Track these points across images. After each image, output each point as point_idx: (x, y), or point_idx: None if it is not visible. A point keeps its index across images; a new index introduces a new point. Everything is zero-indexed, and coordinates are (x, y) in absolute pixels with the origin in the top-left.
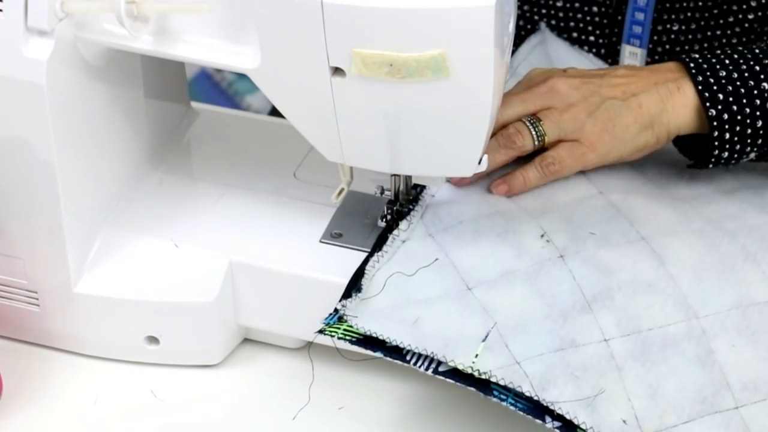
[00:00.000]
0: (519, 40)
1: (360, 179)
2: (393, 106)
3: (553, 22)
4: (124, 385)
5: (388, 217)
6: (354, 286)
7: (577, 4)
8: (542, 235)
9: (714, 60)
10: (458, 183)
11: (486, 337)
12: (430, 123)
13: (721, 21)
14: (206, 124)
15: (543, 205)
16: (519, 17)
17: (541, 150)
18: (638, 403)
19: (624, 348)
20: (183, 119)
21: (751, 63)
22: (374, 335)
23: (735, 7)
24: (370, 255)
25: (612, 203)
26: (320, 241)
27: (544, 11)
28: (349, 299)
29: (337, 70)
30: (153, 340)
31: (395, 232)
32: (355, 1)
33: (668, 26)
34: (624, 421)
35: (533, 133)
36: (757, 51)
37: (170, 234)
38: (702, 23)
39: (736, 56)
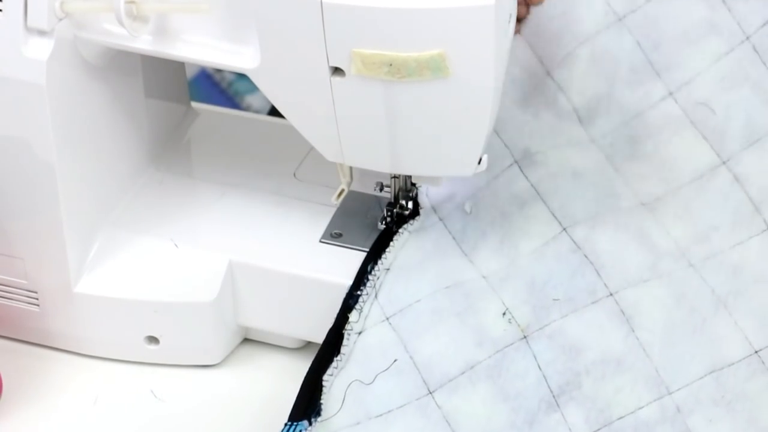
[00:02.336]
0: None
1: (360, 179)
2: (393, 106)
3: None
4: (124, 385)
5: (388, 219)
6: (311, 402)
7: None
8: (504, 313)
9: None
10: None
11: None
12: (429, 123)
13: None
14: (206, 124)
15: (505, 267)
16: None
17: None
18: None
19: None
20: (183, 119)
21: None
22: None
23: None
24: (325, 355)
25: (576, 245)
26: (320, 241)
27: None
28: (309, 428)
29: (336, 70)
30: (153, 340)
31: (348, 325)
32: (355, 1)
33: None
34: None
35: None
36: None
37: (170, 234)
38: None
39: None
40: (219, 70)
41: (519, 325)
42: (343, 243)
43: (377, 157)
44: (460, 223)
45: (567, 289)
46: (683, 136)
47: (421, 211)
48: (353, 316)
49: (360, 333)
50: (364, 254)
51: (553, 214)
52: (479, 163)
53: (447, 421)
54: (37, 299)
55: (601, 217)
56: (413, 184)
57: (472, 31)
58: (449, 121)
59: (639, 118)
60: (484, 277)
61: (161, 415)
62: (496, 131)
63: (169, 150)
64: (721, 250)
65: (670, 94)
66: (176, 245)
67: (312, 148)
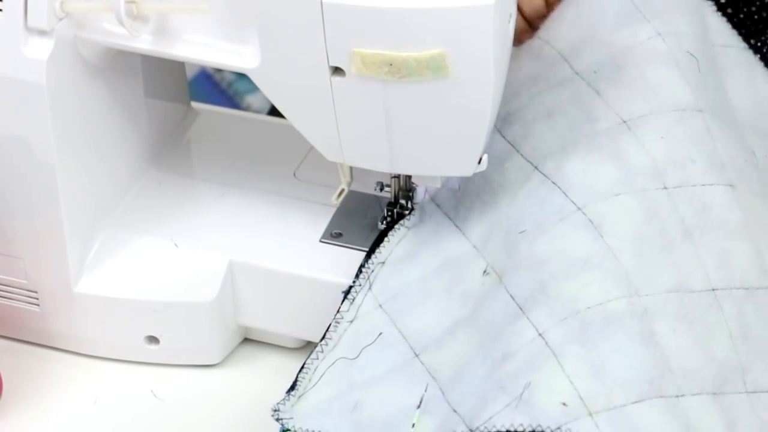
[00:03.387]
0: None
1: (360, 179)
2: (393, 106)
3: None
4: (124, 385)
5: (388, 219)
6: (293, 385)
7: None
8: (485, 271)
9: None
10: None
11: (420, 402)
12: (429, 122)
13: None
14: (206, 124)
15: (488, 228)
16: None
17: None
18: (582, 384)
19: (560, 333)
20: (183, 119)
21: None
22: None
23: None
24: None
25: (546, 176)
26: (320, 241)
27: None
28: (281, 402)
29: (336, 70)
30: (153, 339)
31: (338, 315)
32: (355, 1)
33: None
34: (564, 404)
35: None
36: None
37: (170, 234)
38: None
39: None
40: (219, 70)
41: (497, 274)
42: (343, 243)
43: (377, 156)
44: (453, 201)
45: (536, 218)
46: (669, 70)
47: (416, 206)
48: (344, 306)
49: (351, 321)
50: (364, 254)
51: (526, 159)
52: (479, 162)
53: (429, 372)
54: (37, 299)
55: (572, 144)
56: (413, 184)
57: (472, 30)
58: (449, 120)
59: (626, 50)
60: (473, 245)
61: (161, 415)
62: None
63: (169, 150)
64: (695, 183)
65: (659, 34)
66: (176, 245)
67: (312, 148)
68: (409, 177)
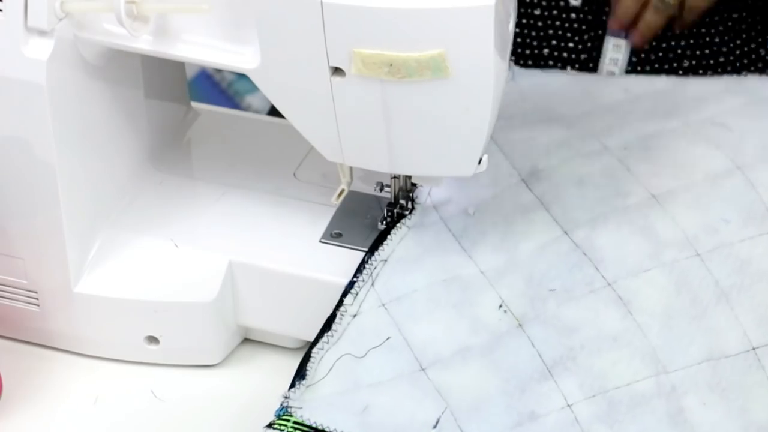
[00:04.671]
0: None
1: (360, 179)
2: (393, 106)
3: (534, 32)
4: (124, 385)
5: (388, 219)
6: (300, 372)
7: (555, 12)
8: (500, 306)
9: None
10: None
11: (437, 423)
12: (429, 123)
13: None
14: (206, 124)
15: (504, 263)
16: None
17: None
18: None
19: (589, 411)
20: (183, 119)
21: None
22: (321, 428)
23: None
24: (320, 335)
25: (576, 245)
26: (320, 241)
27: (524, 20)
28: (293, 389)
29: (336, 70)
30: (153, 340)
31: (342, 308)
32: (355, 1)
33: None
34: None
35: None
36: None
37: (170, 234)
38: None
39: None
40: (219, 70)
41: (514, 316)
42: (343, 243)
43: (377, 157)
44: (461, 223)
45: (564, 281)
46: (697, 146)
47: (417, 206)
48: (348, 299)
49: (354, 315)
50: (365, 253)
51: (555, 220)
52: (479, 163)
53: (438, 391)
54: (37, 299)
55: (603, 217)
56: (414, 185)
57: (472, 31)
58: (449, 121)
59: (654, 136)
60: (482, 272)
61: (161, 415)
62: (504, 152)
63: (169, 150)
64: (731, 242)
65: (684, 124)
66: (176, 245)
67: (312, 148)
68: (409, 177)
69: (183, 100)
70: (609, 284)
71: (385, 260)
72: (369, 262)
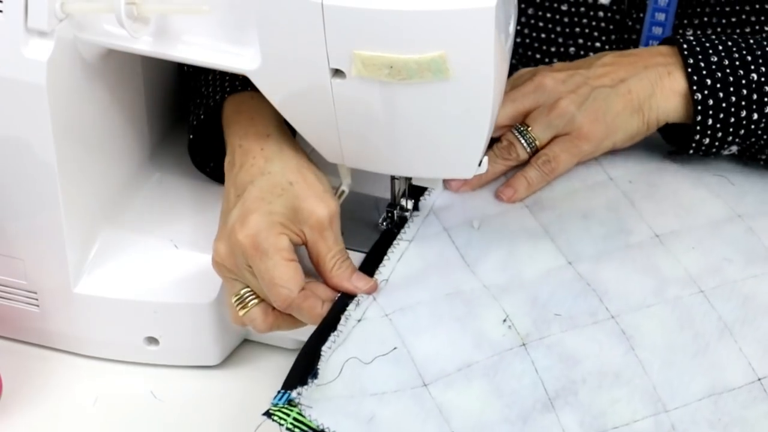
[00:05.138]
0: (524, 47)
1: (360, 180)
2: (393, 108)
3: (558, 28)
4: (124, 385)
5: (388, 220)
6: (308, 368)
7: (582, 9)
8: (504, 320)
9: (707, 44)
10: (457, 188)
11: None
12: (430, 125)
13: (737, 24)
14: None
15: (507, 281)
16: (524, 23)
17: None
18: None
19: None
20: (183, 119)
21: (744, 52)
22: (325, 429)
23: (752, 11)
24: (323, 333)
25: (580, 275)
26: None
27: (548, 15)
28: (305, 386)
29: (337, 72)
30: (153, 340)
31: (346, 312)
32: (356, 3)
33: (685, 30)
34: None
35: (523, 142)
36: (751, 41)
37: (170, 234)
38: (719, 29)
39: (730, 43)
40: None
41: (518, 333)
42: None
43: (377, 158)
44: (465, 236)
45: (569, 308)
46: (699, 191)
47: (414, 215)
48: (351, 306)
49: (359, 320)
50: (364, 255)
51: (560, 249)
52: (480, 164)
53: (440, 411)
54: (37, 299)
55: (607, 254)
56: (415, 187)
57: (472, 33)
58: (450, 122)
59: (657, 172)
60: (485, 286)
61: (161, 415)
62: (506, 177)
63: (169, 150)
64: (734, 280)
65: (686, 167)
66: (176, 246)
67: (312, 149)
68: (409, 179)
69: (183, 100)
70: (612, 317)
71: (386, 280)
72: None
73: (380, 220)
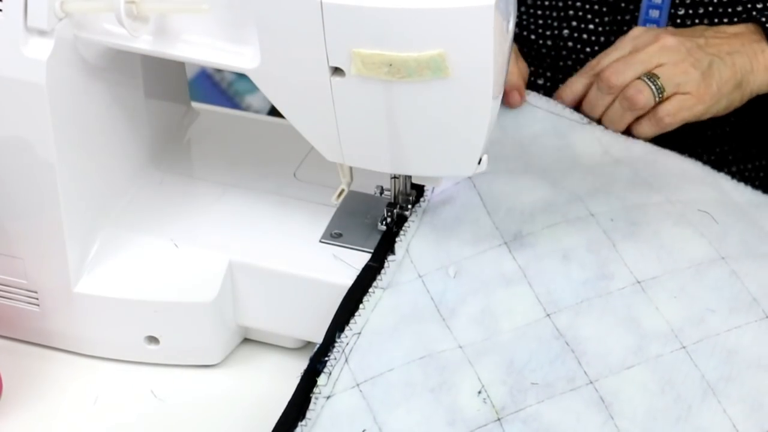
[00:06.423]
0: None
1: (360, 179)
2: (393, 106)
3: (554, 13)
4: (124, 385)
5: (388, 219)
6: None
7: None
8: (479, 392)
9: None
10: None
11: None
12: (429, 123)
13: (730, 9)
14: (206, 124)
15: (483, 340)
16: (519, 4)
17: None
18: None
19: None
20: (183, 119)
21: None
22: None
23: None
24: (291, 419)
25: (559, 331)
26: (320, 241)
27: (547, 2)
28: None
29: (336, 70)
30: (153, 340)
31: (316, 389)
32: (355, 1)
33: (681, 10)
34: None
35: (653, 89)
36: None
37: (170, 234)
38: (715, 8)
39: None
40: (219, 70)
41: (494, 406)
42: (343, 243)
43: (377, 157)
44: (441, 284)
45: (546, 373)
46: (683, 229)
47: (392, 261)
48: (322, 379)
49: (328, 398)
50: (364, 254)
51: (538, 299)
52: (479, 163)
53: None
54: (37, 299)
55: (587, 303)
56: (414, 186)
57: (472, 31)
58: (449, 121)
59: (640, 208)
60: (460, 347)
61: (161, 415)
62: (487, 208)
63: (169, 150)
64: (717, 332)
65: (669, 201)
66: (176, 245)
67: (312, 148)
68: (409, 177)
69: (183, 100)
70: (591, 382)
71: (359, 333)
72: (340, 337)
73: (380, 220)
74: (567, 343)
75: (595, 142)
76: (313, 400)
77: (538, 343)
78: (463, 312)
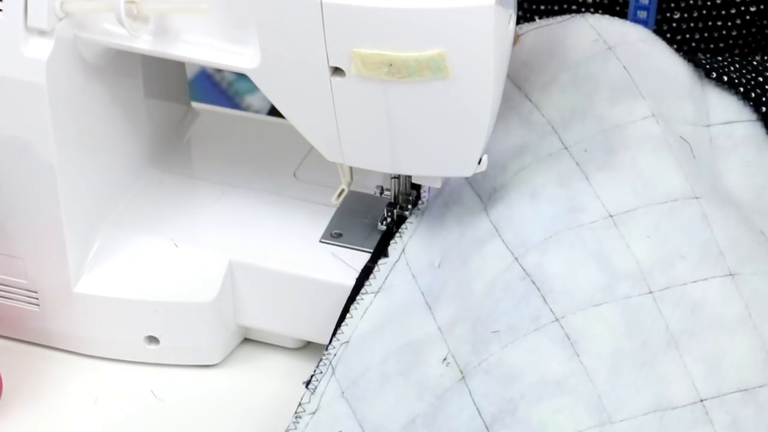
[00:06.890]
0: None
1: (360, 179)
2: (393, 106)
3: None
4: (124, 385)
5: (388, 219)
6: None
7: None
8: (444, 358)
9: None
10: None
11: None
12: (429, 123)
13: (723, 12)
14: (206, 124)
15: (456, 311)
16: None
17: None
18: None
19: None
20: (183, 119)
21: None
22: None
23: None
24: None
25: (526, 272)
26: (320, 241)
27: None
28: None
29: (336, 70)
30: (153, 339)
31: (299, 408)
32: (355, 1)
33: (670, 15)
34: None
35: None
36: None
37: (170, 234)
38: (704, 12)
39: None
40: (219, 70)
41: (458, 365)
42: (343, 243)
43: (377, 157)
44: (429, 278)
45: (510, 318)
46: (661, 156)
47: (382, 264)
48: (305, 397)
49: (313, 413)
50: (364, 254)
51: (506, 245)
52: (479, 163)
53: None
54: (37, 299)
55: (556, 237)
56: (413, 186)
57: (472, 31)
58: (449, 121)
59: (618, 129)
60: (439, 328)
61: (161, 415)
62: (467, 179)
63: (169, 150)
64: (684, 281)
65: (653, 115)
66: (176, 245)
67: (312, 148)
68: (409, 177)
69: (183, 100)
70: (557, 319)
71: (347, 342)
72: (328, 350)
73: (380, 220)
74: (533, 282)
75: (588, 28)
76: (294, 418)
77: (504, 290)
78: (444, 294)
